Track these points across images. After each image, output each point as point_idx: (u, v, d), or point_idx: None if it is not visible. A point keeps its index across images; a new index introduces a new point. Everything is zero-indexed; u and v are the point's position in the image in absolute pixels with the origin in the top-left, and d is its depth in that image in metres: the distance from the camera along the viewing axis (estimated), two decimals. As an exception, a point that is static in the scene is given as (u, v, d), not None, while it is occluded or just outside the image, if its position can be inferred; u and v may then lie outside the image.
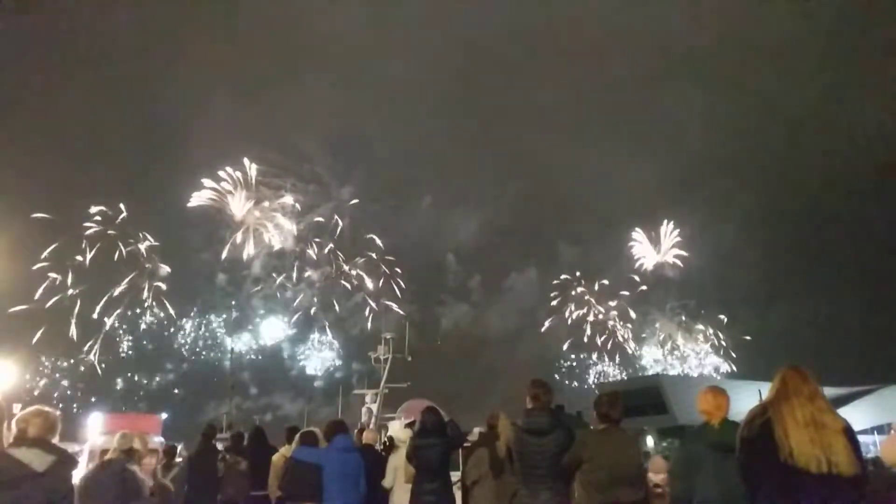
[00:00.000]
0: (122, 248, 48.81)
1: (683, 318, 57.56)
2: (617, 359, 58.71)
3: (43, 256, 45.66)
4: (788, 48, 49.17)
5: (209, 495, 9.64)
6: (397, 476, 8.25)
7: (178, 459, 12.03)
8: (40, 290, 45.41)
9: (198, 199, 50.09)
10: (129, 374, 49.22)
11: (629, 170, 52.09)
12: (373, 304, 52.34)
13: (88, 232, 47.53)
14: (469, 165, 55.31)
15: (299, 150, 51.79)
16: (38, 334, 44.67)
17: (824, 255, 49.49)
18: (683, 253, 57.44)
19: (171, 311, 50.53)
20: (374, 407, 32.46)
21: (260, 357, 51.81)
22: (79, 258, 47.08)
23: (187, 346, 51.27)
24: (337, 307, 52.16)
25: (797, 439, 4.11)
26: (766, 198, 52.36)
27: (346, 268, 52.74)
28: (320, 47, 51.21)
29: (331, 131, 51.60)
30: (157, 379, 50.01)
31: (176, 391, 49.66)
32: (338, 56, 51.57)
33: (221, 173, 50.53)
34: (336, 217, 52.65)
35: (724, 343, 56.18)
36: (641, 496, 5.62)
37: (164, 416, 41.16)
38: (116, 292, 48.62)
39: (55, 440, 4.51)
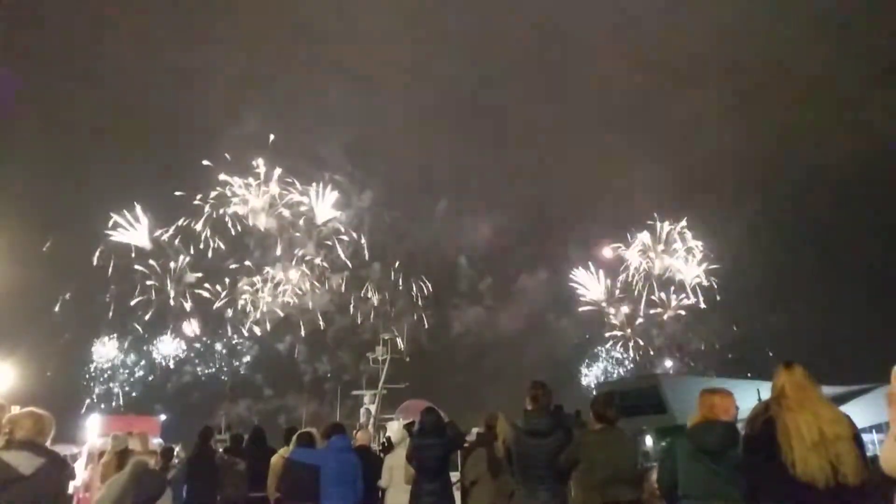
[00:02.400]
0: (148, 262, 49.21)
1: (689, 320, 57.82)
2: (622, 358, 58.88)
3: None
4: (799, 55, 49.87)
5: (208, 496, 9.61)
6: (393, 476, 8.21)
7: (176, 461, 12.01)
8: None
9: (220, 204, 50.53)
10: (148, 377, 49.76)
11: (639, 174, 53.18)
12: (388, 309, 52.77)
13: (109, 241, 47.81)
14: (484, 170, 56.28)
15: (322, 158, 52.72)
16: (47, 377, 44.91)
17: (827, 255, 49.88)
18: (700, 262, 57.74)
19: (195, 325, 51.18)
20: (373, 408, 32.48)
21: (275, 359, 52.46)
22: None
23: (202, 350, 51.90)
24: (353, 311, 52.56)
25: (802, 456, 4.08)
26: (773, 201, 53.01)
27: (364, 277, 53.27)
28: (344, 60, 52.61)
29: (351, 140, 52.69)
30: (174, 380, 50.56)
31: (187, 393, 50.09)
32: (360, 68, 52.76)
33: (236, 181, 50.97)
34: (356, 223, 53.29)
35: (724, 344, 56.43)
36: (639, 496, 5.62)
37: (162, 417, 41.26)
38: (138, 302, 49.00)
39: (47, 442, 4.45)
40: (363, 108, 49.60)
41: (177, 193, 49.56)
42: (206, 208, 50.28)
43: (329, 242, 53.04)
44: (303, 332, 51.97)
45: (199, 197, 50.18)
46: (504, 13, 54.90)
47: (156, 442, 16.32)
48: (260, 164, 50.96)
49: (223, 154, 49.83)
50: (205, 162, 49.72)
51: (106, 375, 49.00)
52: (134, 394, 48.82)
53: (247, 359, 52.13)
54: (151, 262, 49.53)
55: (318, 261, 52.35)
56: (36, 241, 41.69)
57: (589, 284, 57.30)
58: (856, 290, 50.14)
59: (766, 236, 52.71)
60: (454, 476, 7.88)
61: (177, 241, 49.84)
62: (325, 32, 52.58)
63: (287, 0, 51.60)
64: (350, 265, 52.76)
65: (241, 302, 51.29)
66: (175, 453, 13.77)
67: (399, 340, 37.36)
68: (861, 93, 49.43)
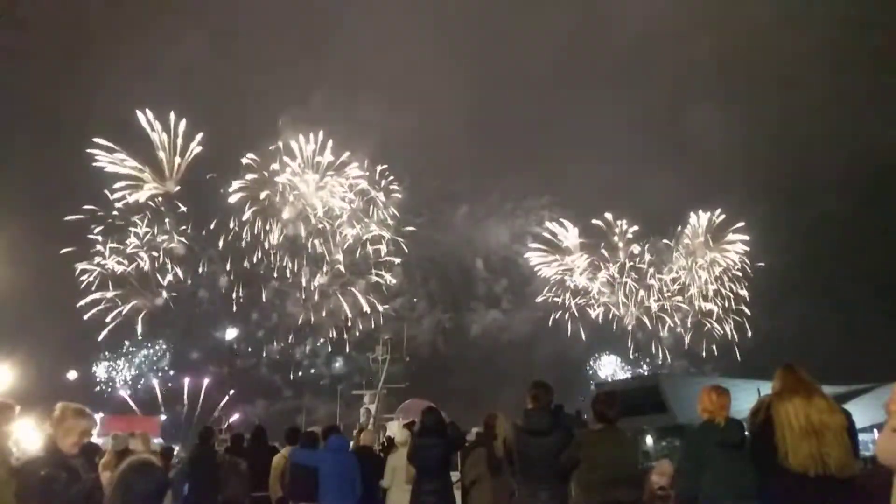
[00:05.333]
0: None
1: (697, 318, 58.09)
2: (632, 359, 59.15)
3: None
4: (811, 66, 51.07)
5: (209, 496, 9.60)
6: (395, 476, 8.21)
7: (176, 461, 12.02)
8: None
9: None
10: (165, 373, 50.31)
11: (654, 182, 54.20)
12: (409, 312, 53.59)
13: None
14: (503, 178, 57.62)
15: (350, 167, 54.26)
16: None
17: (830, 257, 50.30)
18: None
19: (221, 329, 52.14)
20: (373, 407, 32.51)
21: (296, 360, 53.28)
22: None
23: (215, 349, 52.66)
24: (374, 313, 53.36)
25: (794, 446, 4.13)
26: (780, 206, 54.02)
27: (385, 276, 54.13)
28: (373, 77, 54.82)
29: (379, 151, 54.51)
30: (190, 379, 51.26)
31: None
32: (388, 83, 54.73)
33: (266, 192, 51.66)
34: (380, 229, 54.35)
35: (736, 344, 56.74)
36: (639, 496, 5.60)
37: (163, 417, 41.36)
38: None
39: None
40: (390, 121, 51.06)
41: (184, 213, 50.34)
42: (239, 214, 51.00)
43: (355, 248, 53.84)
44: (323, 335, 52.87)
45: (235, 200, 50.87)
46: (528, 35, 56.50)
47: (156, 442, 16.35)
48: (291, 174, 51.89)
49: (256, 162, 50.96)
50: (211, 176, 50.50)
51: (128, 374, 49.40)
52: (157, 388, 49.44)
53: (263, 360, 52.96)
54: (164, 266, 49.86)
55: (343, 267, 53.11)
56: (41, 241, 41.79)
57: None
58: (858, 289, 50.45)
59: (777, 242, 53.69)
60: (454, 476, 7.88)
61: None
62: (357, 50, 54.33)
63: (322, 21, 53.77)
64: (373, 270, 53.60)
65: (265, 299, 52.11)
66: (175, 453, 13.77)
67: (391, 340, 37.69)
68: (886, 90, 50.01)
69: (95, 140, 46.74)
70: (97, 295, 47.18)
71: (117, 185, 48.06)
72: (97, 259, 47.42)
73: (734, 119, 54.13)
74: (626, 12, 53.85)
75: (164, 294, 49.50)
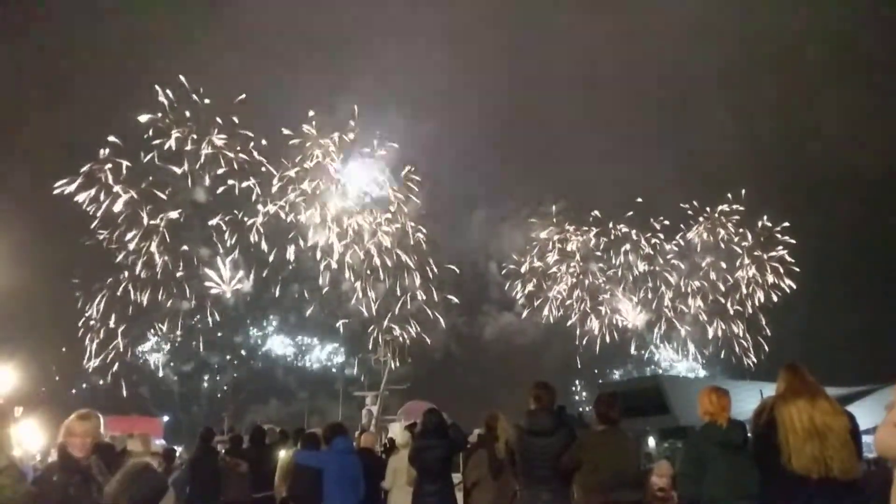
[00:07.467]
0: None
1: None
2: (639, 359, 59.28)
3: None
4: (820, 72, 51.89)
5: (210, 498, 9.60)
6: (396, 478, 8.20)
7: (178, 462, 12.01)
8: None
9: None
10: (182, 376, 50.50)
11: (663, 186, 54.86)
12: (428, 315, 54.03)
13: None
14: (519, 183, 58.35)
15: (372, 173, 54.39)
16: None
17: (832, 258, 50.60)
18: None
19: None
20: (375, 409, 32.51)
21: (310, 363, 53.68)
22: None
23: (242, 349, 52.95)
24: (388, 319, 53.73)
25: (797, 448, 4.12)
26: (783, 209, 54.61)
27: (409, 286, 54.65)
28: (398, 85, 55.04)
29: (400, 157, 54.78)
30: (206, 380, 51.35)
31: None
32: (411, 92, 55.61)
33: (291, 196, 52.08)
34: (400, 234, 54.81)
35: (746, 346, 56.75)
36: (640, 497, 5.59)
37: (165, 418, 41.29)
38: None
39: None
40: (416, 131, 51.69)
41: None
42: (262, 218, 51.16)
43: (373, 252, 54.08)
44: (338, 339, 53.16)
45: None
46: (544, 43, 57.48)
47: (157, 443, 16.32)
48: (312, 180, 52.11)
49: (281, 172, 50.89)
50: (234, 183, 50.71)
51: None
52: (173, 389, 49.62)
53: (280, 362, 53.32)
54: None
55: (362, 273, 53.30)
56: (43, 240, 41.75)
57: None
58: (862, 290, 50.56)
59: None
60: (456, 477, 7.86)
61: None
62: (377, 57, 55.53)
63: (344, 34, 54.64)
64: (391, 274, 53.81)
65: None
66: (178, 454, 13.76)
67: (405, 341, 37.70)
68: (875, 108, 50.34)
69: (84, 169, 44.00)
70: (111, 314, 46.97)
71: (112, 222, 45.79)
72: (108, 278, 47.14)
73: (753, 128, 55.12)
74: (646, 22, 54.50)
75: (188, 299, 49.21)
